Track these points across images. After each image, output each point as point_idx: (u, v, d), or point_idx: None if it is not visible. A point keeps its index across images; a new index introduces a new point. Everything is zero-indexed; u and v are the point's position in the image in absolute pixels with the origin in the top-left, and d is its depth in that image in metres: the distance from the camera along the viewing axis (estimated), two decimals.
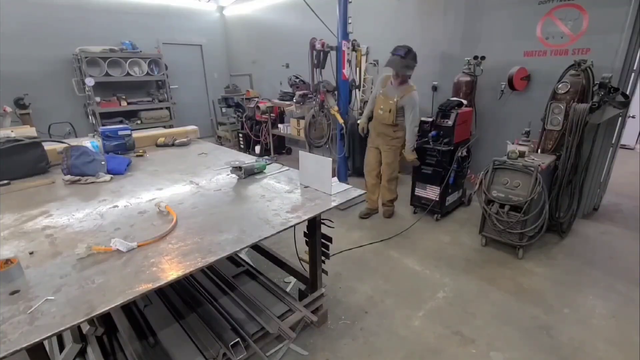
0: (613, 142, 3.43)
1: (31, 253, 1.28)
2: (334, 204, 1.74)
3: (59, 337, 1.96)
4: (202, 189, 1.98)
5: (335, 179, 2.18)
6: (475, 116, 3.93)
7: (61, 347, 1.90)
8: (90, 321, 1.71)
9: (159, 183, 2.09)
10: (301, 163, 2.03)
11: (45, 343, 1.39)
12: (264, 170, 2.29)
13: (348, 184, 2.06)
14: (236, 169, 2.15)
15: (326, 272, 2.30)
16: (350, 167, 4.92)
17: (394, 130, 3.38)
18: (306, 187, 1.99)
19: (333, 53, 3.84)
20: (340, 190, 1.93)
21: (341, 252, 3.02)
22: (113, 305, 1.00)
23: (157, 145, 3.08)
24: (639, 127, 5.71)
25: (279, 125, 5.91)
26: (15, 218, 1.61)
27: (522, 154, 2.92)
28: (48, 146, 2.43)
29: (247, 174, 2.16)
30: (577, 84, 2.95)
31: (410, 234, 3.41)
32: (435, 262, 2.92)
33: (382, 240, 3.29)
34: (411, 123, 3.23)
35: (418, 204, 3.81)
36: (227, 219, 1.56)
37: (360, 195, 1.91)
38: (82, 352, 1.81)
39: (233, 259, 2.53)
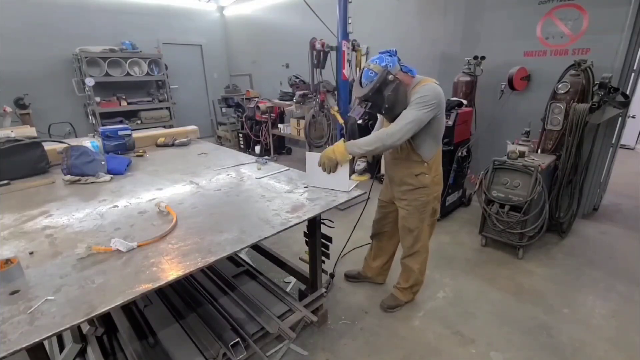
0: (613, 142, 3.43)
1: (31, 253, 1.28)
2: (334, 203, 1.74)
3: (59, 337, 1.96)
4: (202, 189, 1.98)
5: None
6: (475, 116, 3.93)
7: (61, 347, 1.90)
8: (90, 321, 1.71)
9: (159, 183, 2.08)
10: (308, 164, 1.97)
11: (45, 343, 1.39)
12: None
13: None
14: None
15: (326, 272, 2.30)
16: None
17: (415, 172, 1.97)
18: (306, 186, 1.99)
19: (333, 53, 3.85)
20: (353, 186, 1.92)
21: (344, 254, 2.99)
22: (113, 305, 1.00)
23: (157, 145, 3.08)
24: (639, 127, 5.71)
25: (279, 125, 5.91)
26: (15, 218, 1.61)
27: (522, 154, 2.92)
28: (48, 146, 2.43)
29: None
30: (577, 84, 2.95)
31: None
32: (435, 262, 2.92)
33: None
34: (398, 121, 1.78)
35: None
36: (227, 219, 1.56)
37: (360, 195, 1.91)
38: (82, 352, 1.81)
39: (233, 259, 2.53)
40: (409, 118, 1.76)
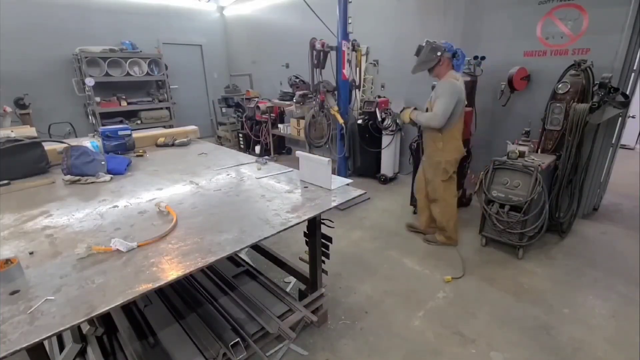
0: (613, 142, 3.42)
1: (31, 253, 1.28)
2: (334, 203, 1.74)
3: (59, 337, 1.96)
4: (202, 189, 1.98)
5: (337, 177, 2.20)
6: (475, 116, 3.92)
7: (61, 347, 1.90)
8: (90, 321, 1.71)
9: (159, 183, 2.09)
10: (301, 163, 2.07)
11: (45, 343, 1.40)
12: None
13: (347, 185, 2.06)
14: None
15: (326, 272, 2.30)
16: (350, 166, 4.92)
17: (434, 140, 2.88)
18: (306, 187, 2.00)
19: (333, 53, 3.85)
20: (340, 185, 1.95)
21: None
22: (113, 305, 1.00)
23: (157, 145, 3.08)
24: (639, 127, 5.71)
25: (279, 125, 5.91)
26: (15, 218, 1.61)
27: (522, 154, 2.92)
28: (48, 146, 2.43)
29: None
30: (577, 84, 2.95)
31: (410, 234, 3.41)
32: (435, 262, 2.92)
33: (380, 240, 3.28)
34: (436, 107, 2.70)
35: None
36: (227, 219, 1.56)
37: (360, 195, 1.91)
38: (82, 352, 1.81)
39: (233, 259, 2.53)
40: (440, 109, 2.69)
